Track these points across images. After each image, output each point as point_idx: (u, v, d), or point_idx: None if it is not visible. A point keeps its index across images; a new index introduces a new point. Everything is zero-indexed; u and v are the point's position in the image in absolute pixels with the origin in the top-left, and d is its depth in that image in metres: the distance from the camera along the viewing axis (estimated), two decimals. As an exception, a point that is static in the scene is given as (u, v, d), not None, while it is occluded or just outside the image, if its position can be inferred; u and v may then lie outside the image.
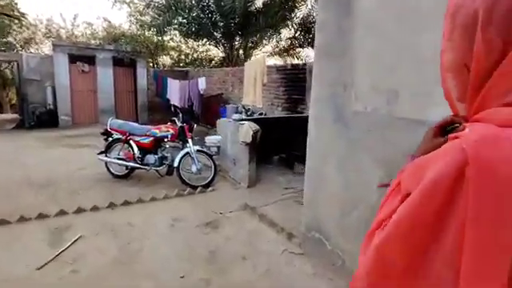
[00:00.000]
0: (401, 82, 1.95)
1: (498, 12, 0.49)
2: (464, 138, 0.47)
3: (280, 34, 10.44)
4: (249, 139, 4.38)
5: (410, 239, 0.49)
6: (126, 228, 3.36)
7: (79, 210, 3.68)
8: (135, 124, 5.09)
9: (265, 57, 5.78)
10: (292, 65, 7.16)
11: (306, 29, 10.39)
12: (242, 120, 4.80)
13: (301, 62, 6.91)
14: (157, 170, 4.82)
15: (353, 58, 2.24)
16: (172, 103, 9.98)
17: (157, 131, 4.79)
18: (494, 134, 0.46)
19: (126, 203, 3.96)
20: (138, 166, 4.79)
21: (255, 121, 4.82)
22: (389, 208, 0.58)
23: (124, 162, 4.84)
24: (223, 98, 9.59)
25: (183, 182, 4.62)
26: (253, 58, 11.59)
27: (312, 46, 10.93)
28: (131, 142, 4.84)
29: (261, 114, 7.60)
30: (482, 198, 0.43)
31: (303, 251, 2.86)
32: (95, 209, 3.77)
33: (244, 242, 3.12)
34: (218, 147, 6.04)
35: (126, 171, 4.96)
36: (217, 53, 14.03)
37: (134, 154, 4.79)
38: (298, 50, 11.30)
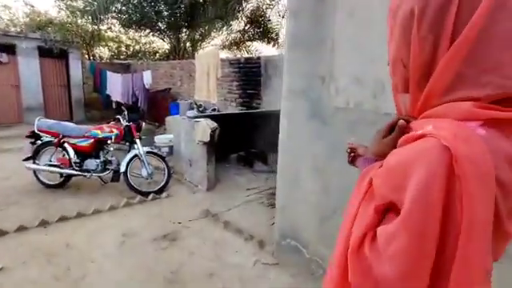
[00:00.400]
0: (388, 72, 1.77)
1: (431, 9, 0.51)
2: (439, 135, 0.47)
3: (230, 25, 10.04)
4: (206, 138, 3.99)
5: (421, 266, 0.47)
6: (63, 251, 2.78)
7: (-1, 233, 2.98)
8: (70, 124, 4.36)
9: (218, 49, 5.39)
10: (246, 58, 6.87)
11: (256, 22, 10.15)
12: (198, 117, 4.38)
13: (255, 56, 6.63)
14: (100, 177, 4.19)
15: (332, 47, 2.01)
16: (113, 99, 9.09)
17: (98, 132, 4.15)
18: (466, 129, 0.48)
19: (63, 219, 3.33)
20: (75, 172, 4.11)
21: (210, 117, 4.45)
22: (364, 221, 0.56)
23: (58, 169, 4.11)
24: (171, 93, 8.95)
25: (132, 188, 4.08)
26: (203, 50, 11.05)
27: (262, 40, 10.76)
28: (66, 145, 4.13)
29: (214, 109, 7.19)
30: (475, 194, 0.44)
31: (278, 261, 2.61)
32: (22, 229, 3.08)
33: (209, 255, 2.77)
34: (170, 147, 5.53)
35: (61, 179, 4.24)
36: (162, 45, 13.15)
37: (70, 159, 4.09)
38: (248, 43, 11.02)
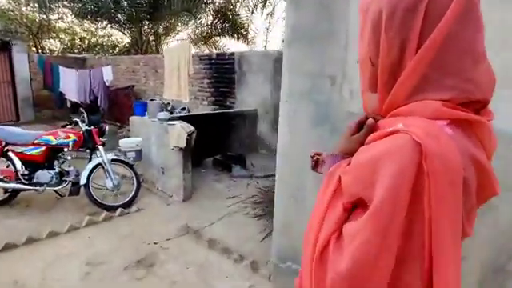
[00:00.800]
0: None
1: (398, 13, 0.53)
2: (410, 132, 0.48)
3: (198, 19, 9.48)
4: (182, 143, 3.55)
5: (381, 259, 0.47)
6: (10, 291, 2.24)
7: None
8: (16, 129, 3.68)
9: (189, 42, 4.90)
10: (217, 54, 6.44)
11: (225, 16, 9.70)
12: (171, 119, 3.91)
13: (228, 51, 6.23)
14: (55, 191, 3.58)
15: (345, 42, 1.72)
16: (68, 98, 8.19)
17: (51, 138, 3.53)
18: (436, 127, 0.49)
19: (9, 247, 2.74)
20: (23, 187, 3.46)
21: (182, 119, 4.00)
22: (334, 217, 0.56)
23: (0, 184, 3.44)
24: (135, 90, 8.25)
25: (95, 202, 3.53)
26: (168, 44, 10.37)
27: (231, 36, 10.33)
28: (10, 154, 3.47)
29: (183, 109, 6.68)
30: (444, 193, 0.45)
31: (276, 286, 2.30)
32: (-47, 264, 2.47)
33: (195, 283, 2.38)
34: (138, 151, 4.96)
35: (6, 195, 3.57)
36: (122, 38, 12.19)
37: (16, 170, 3.44)
38: (216, 38, 10.52)
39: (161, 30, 10.29)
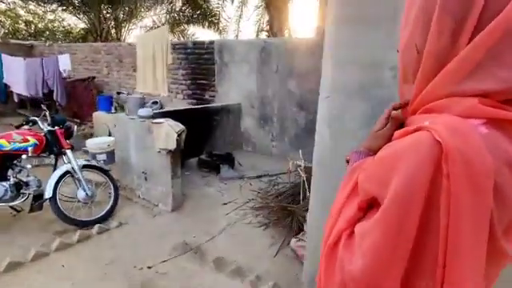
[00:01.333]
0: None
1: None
2: (434, 130, 0.45)
3: (171, 3, 8.68)
4: (172, 145, 3.04)
5: (392, 264, 0.45)
6: None
7: None
8: (-47, 131, 2.91)
9: (167, 28, 4.28)
10: (194, 42, 5.85)
11: (195, 2, 9.02)
12: (154, 117, 3.35)
13: (206, 40, 5.70)
14: (11, 207, 2.91)
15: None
16: (14, 91, 7.10)
17: (3, 142, 2.83)
18: (465, 125, 0.46)
19: (-46, 289, 2.09)
20: (-32, 204, 2.75)
21: (161, 115, 3.47)
22: (348, 214, 0.55)
23: None
24: (96, 82, 7.37)
25: (65, 218, 2.92)
26: (130, 32, 9.45)
27: (201, 24, 9.68)
28: (-52, 163, 2.73)
29: (154, 103, 6.05)
30: (465, 199, 0.41)
31: (310, 316, 1.95)
32: None
33: (210, 318, 1.96)
34: (110, 153, 4.32)
35: None
36: (76, 24, 10.92)
37: (-43, 184, 2.71)
38: (184, 26, 9.80)
39: (122, 15, 9.32)
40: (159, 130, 3.10)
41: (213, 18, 9.34)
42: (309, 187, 3.46)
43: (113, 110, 6.13)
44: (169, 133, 3.04)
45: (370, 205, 0.54)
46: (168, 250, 2.61)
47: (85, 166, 3.14)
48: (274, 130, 5.05)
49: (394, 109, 0.62)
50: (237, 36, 9.96)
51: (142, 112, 3.30)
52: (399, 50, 0.61)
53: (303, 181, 3.44)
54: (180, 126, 3.11)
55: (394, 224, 0.44)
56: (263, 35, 8.73)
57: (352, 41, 1.56)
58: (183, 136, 3.16)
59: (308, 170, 3.73)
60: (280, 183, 4.01)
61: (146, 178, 3.45)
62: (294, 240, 2.60)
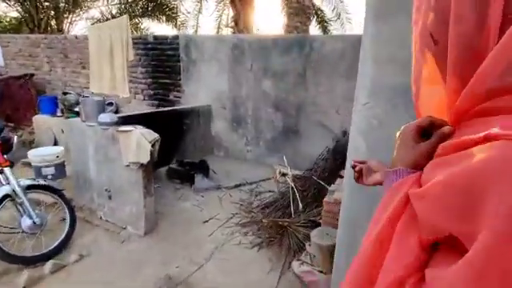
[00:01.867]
0: None
1: None
2: None
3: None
4: (145, 158, 2.54)
5: None
6: None
7: None
8: None
9: (127, 18, 3.65)
10: (156, 37, 5.25)
11: (150, -6, 8.30)
12: (118, 123, 2.80)
13: (169, 34, 5.16)
14: None
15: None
16: None
17: None
18: None
19: None
20: None
21: (123, 120, 2.94)
22: (406, 257, 0.40)
23: None
24: (34, 81, 6.37)
25: (6, 256, 2.28)
26: (73, 23, 8.37)
27: (157, 17, 8.94)
28: None
29: (109, 104, 5.33)
30: None
31: None
32: None
33: None
34: (59, 166, 3.62)
35: None
36: (5, 12, 9.44)
37: None
38: (137, 20, 8.97)
39: (64, 4, 8.23)
40: (128, 139, 2.57)
41: (170, 12, 8.66)
42: (300, 197, 3.20)
43: (58, 113, 5.31)
44: (141, 143, 2.53)
45: (436, 243, 0.41)
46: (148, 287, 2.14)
47: (30, 187, 2.50)
48: (248, 134, 4.70)
49: (432, 122, 0.48)
50: (196, 31, 9.39)
51: (104, 118, 2.73)
52: (413, 44, 0.49)
53: (293, 191, 3.16)
54: (154, 135, 2.62)
55: (496, 272, 0.30)
56: (227, 31, 8.31)
57: (396, 39, 1.28)
58: (157, 146, 2.67)
59: (297, 179, 3.47)
60: (261, 192, 3.70)
61: (109, 197, 2.89)
62: (296, 263, 2.29)
